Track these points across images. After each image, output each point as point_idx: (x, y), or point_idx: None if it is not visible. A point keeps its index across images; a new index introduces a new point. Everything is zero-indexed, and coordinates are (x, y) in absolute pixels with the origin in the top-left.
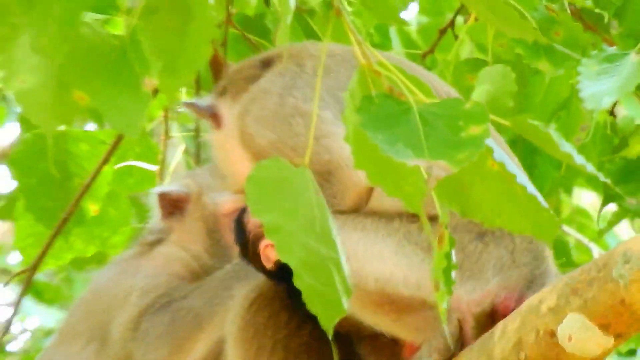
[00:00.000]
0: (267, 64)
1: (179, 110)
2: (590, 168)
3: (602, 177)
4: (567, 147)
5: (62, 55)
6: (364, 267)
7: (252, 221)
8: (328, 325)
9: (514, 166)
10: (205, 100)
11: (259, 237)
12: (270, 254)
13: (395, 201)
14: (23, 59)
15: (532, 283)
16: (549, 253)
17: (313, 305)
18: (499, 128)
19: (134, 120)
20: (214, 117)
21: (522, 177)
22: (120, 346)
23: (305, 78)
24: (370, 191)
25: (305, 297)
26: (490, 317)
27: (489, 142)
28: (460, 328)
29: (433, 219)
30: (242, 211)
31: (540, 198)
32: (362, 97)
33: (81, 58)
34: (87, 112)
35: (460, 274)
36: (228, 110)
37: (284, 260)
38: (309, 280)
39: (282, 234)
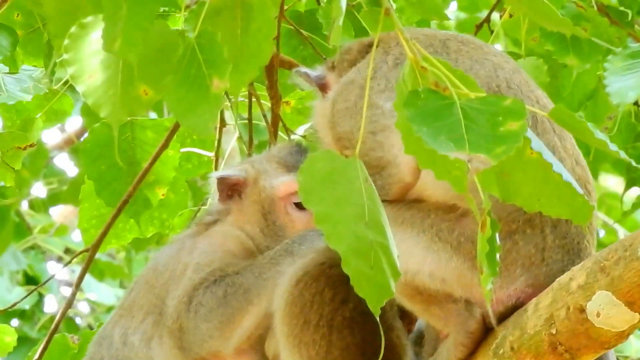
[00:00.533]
0: (368, 47)
1: (239, 99)
2: (623, 154)
3: (633, 162)
4: (600, 135)
5: (134, 56)
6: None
7: None
8: (376, 306)
9: (551, 155)
10: (317, 71)
11: None
12: None
13: (434, 194)
14: (91, 56)
15: None
16: (588, 244)
17: (360, 289)
18: None
19: (205, 119)
20: (322, 86)
21: (558, 165)
22: (174, 319)
23: (384, 69)
24: (410, 188)
25: (353, 281)
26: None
27: (530, 134)
28: (484, 323)
29: (465, 214)
30: None
31: (575, 184)
32: (409, 92)
33: (151, 57)
34: (150, 106)
35: None
36: (333, 85)
37: (333, 245)
38: (357, 265)
39: (331, 222)
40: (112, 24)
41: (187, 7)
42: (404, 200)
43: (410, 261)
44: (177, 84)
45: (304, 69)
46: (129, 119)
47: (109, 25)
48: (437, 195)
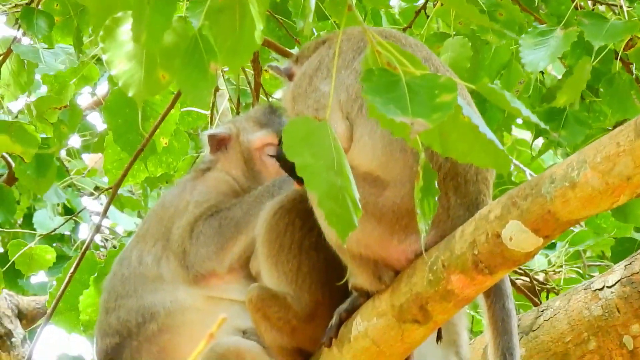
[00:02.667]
0: (322, 44)
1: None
2: (534, 118)
3: (537, 120)
4: (516, 103)
5: (157, 46)
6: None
7: None
8: (343, 237)
9: (478, 118)
10: (285, 64)
11: None
12: None
13: (361, 164)
14: (121, 45)
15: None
16: (485, 197)
17: (332, 223)
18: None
19: (203, 95)
20: (289, 76)
21: (483, 126)
22: (178, 244)
23: (327, 61)
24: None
25: (326, 217)
26: None
27: (461, 102)
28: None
29: (386, 187)
30: (280, 142)
31: (497, 142)
32: (365, 70)
33: (167, 47)
34: (167, 87)
35: (404, 230)
36: (296, 75)
37: (310, 190)
38: (330, 205)
39: (309, 171)
40: (138, 21)
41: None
42: None
43: None
44: (183, 66)
45: (275, 65)
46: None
47: (136, 22)
48: (363, 165)
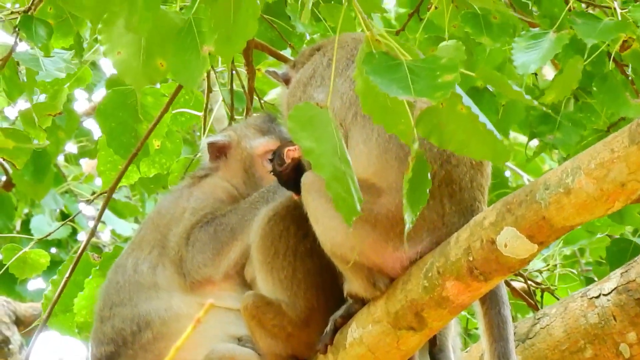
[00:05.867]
0: (316, 50)
1: (219, 70)
2: (535, 102)
3: (535, 103)
4: (516, 88)
5: (146, 31)
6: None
7: (284, 151)
8: (348, 221)
9: (476, 108)
10: (282, 69)
11: (285, 151)
12: (291, 154)
13: (356, 171)
14: (119, 37)
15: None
16: (480, 204)
17: (339, 206)
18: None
19: (194, 75)
20: (286, 81)
21: (483, 117)
22: (175, 251)
23: (320, 69)
24: None
25: (334, 199)
26: None
27: (459, 91)
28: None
29: (381, 194)
30: (275, 153)
31: (496, 132)
32: (366, 53)
33: (159, 33)
34: (165, 75)
35: (399, 236)
36: (293, 80)
37: (318, 172)
38: (336, 188)
39: (316, 154)
40: (132, 8)
41: None
42: None
43: (336, 236)
44: (177, 50)
45: (272, 70)
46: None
47: (130, 9)
48: (359, 172)
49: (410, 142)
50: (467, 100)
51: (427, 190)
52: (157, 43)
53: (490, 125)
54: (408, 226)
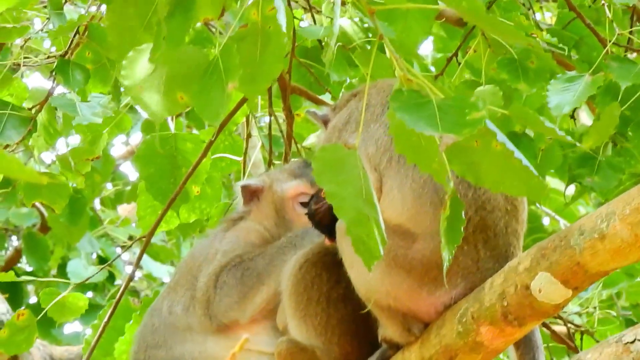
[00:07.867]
0: (353, 96)
1: (258, 116)
2: (569, 138)
3: (570, 139)
4: (549, 125)
5: (170, 66)
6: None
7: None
8: (369, 265)
9: (511, 145)
10: (322, 111)
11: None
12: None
13: (391, 216)
14: (141, 73)
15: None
16: (515, 249)
17: (359, 250)
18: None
19: (218, 111)
20: (325, 123)
21: (518, 153)
22: (203, 292)
23: (356, 115)
24: None
25: (353, 243)
26: None
27: (493, 127)
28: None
29: (416, 240)
30: (313, 196)
31: (532, 168)
32: (395, 90)
33: (184, 69)
34: (184, 108)
35: (434, 282)
36: (329, 124)
37: (340, 216)
38: (357, 232)
39: (338, 198)
40: (156, 43)
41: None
42: None
43: (371, 282)
44: (202, 87)
45: (313, 110)
46: (173, 132)
47: (155, 43)
48: (393, 218)
49: (444, 180)
50: (501, 137)
51: (462, 228)
52: (179, 77)
53: (525, 161)
54: (446, 265)
